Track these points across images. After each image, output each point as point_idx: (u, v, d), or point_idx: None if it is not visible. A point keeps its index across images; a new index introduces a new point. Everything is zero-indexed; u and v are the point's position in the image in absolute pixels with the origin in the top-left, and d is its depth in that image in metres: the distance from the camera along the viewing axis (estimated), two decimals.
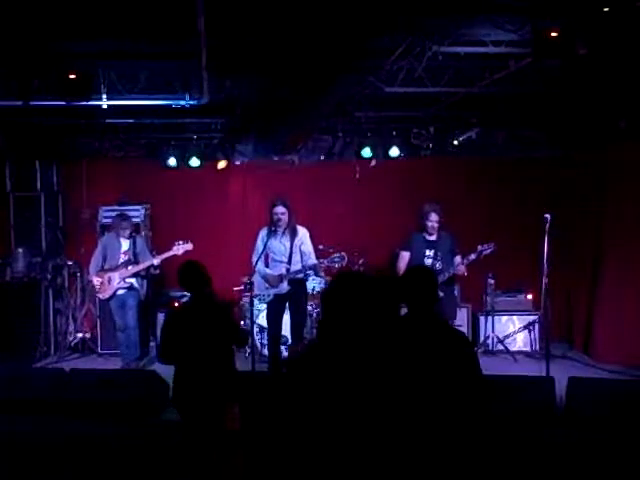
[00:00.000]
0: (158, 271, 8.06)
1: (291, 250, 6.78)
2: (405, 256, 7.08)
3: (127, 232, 7.71)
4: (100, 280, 7.63)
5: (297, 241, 6.79)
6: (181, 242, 7.45)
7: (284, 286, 6.75)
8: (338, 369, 2.31)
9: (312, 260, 6.79)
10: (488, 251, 6.97)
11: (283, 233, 6.79)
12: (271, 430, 2.38)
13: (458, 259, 6.96)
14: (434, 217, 6.94)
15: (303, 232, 6.88)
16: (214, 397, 4.52)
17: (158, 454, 4.82)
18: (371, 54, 5.47)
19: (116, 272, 7.58)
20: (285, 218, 6.72)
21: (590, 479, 4.47)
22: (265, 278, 6.81)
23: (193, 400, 4.55)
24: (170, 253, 7.46)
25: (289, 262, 6.77)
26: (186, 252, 7.40)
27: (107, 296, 7.65)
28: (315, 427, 2.25)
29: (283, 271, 6.73)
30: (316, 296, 7.73)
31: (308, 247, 6.82)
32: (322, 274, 7.76)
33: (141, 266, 7.62)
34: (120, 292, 7.63)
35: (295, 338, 6.93)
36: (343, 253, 6.78)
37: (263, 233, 6.84)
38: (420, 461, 3.03)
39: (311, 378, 2.32)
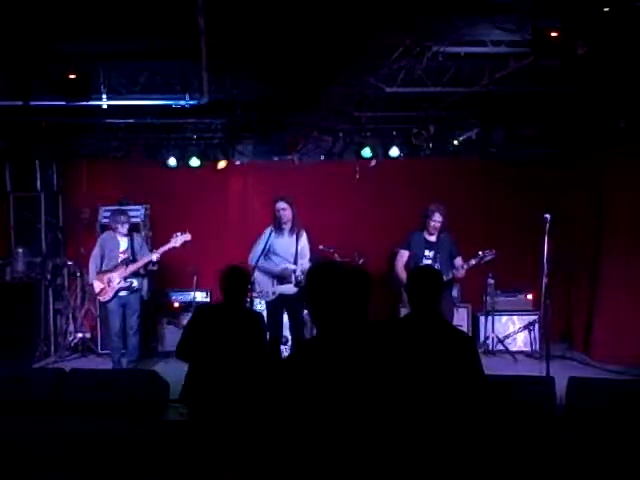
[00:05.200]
0: (157, 267, 7.86)
1: (296, 251, 6.71)
2: (404, 255, 7.07)
3: (125, 227, 7.56)
4: (101, 285, 7.46)
5: (301, 243, 6.75)
6: (179, 233, 7.31)
7: (292, 287, 6.66)
8: (332, 363, 2.28)
9: (307, 264, 6.71)
10: (489, 257, 6.98)
11: (290, 233, 6.72)
12: (266, 426, 2.34)
13: (459, 261, 6.94)
14: (437, 217, 6.92)
15: (304, 234, 6.85)
16: (225, 404, 4.43)
17: (158, 454, 4.81)
18: (371, 54, 5.47)
19: (115, 272, 7.43)
20: (287, 214, 6.65)
21: (590, 479, 4.46)
22: (271, 272, 6.69)
23: (204, 402, 4.50)
24: (169, 245, 7.33)
25: (294, 263, 6.67)
26: (185, 243, 7.32)
27: (108, 298, 7.48)
28: (310, 421, 2.23)
29: (291, 267, 6.63)
30: None
31: (306, 250, 6.78)
32: None
33: (140, 263, 7.45)
34: (122, 293, 7.47)
35: (295, 339, 6.91)
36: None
37: (267, 232, 6.75)
38: (420, 459, 3.03)
39: (307, 373, 2.29)
